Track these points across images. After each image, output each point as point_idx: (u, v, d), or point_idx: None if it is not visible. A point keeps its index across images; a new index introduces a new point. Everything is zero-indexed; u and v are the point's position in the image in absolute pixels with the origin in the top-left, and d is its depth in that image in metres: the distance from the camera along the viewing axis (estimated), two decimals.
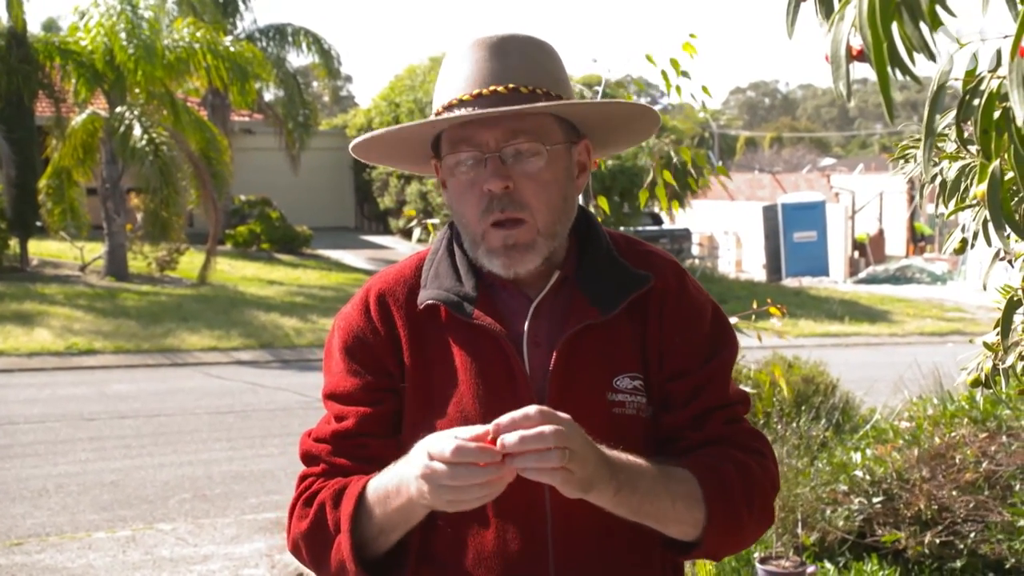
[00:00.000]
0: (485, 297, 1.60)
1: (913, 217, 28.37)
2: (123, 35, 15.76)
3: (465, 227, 1.60)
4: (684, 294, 1.65)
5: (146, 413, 9.32)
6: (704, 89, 3.61)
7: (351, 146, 1.66)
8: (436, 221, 3.35)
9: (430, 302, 1.60)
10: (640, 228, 21.09)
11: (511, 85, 1.53)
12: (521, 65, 1.55)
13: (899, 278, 23.47)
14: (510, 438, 1.32)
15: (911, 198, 27.38)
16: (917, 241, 28.23)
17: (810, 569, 4.33)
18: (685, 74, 3.31)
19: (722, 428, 1.61)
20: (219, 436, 8.50)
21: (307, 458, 1.66)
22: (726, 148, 51.21)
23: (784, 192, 27.75)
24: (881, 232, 27.15)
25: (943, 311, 18.39)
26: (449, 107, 1.56)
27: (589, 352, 1.58)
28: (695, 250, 24.59)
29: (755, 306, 3.71)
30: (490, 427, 1.35)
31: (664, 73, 3.30)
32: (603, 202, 3.47)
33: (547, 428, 1.33)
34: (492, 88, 1.53)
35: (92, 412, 9.29)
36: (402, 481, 1.46)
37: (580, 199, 1.76)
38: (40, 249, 18.64)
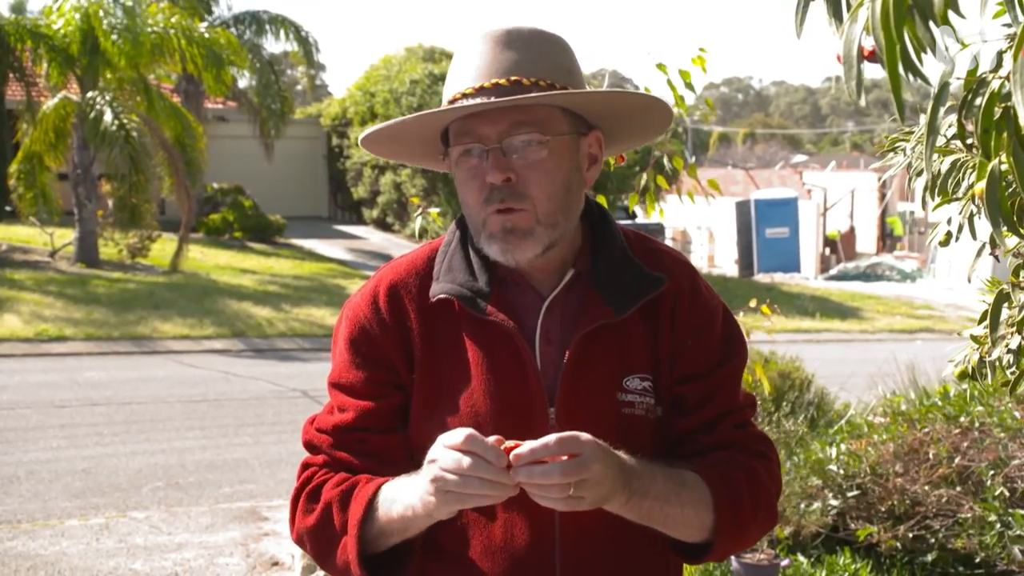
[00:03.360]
0: (498, 293, 1.60)
1: (884, 215, 28.59)
2: (105, 21, 15.61)
3: (469, 215, 1.60)
4: (697, 296, 1.65)
5: (118, 401, 9.26)
6: (708, 102, 3.66)
7: (360, 139, 1.65)
8: (439, 209, 3.35)
9: (443, 296, 1.60)
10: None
11: (514, 77, 1.52)
12: (525, 57, 1.55)
13: (869, 275, 23.67)
14: (522, 473, 1.37)
15: (882, 196, 27.61)
16: (886, 238, 28.44)
17: (784, 562, 4.37)
18: (690, 87, 3.33)
19: (732, 433, 1.63)
20: (192, 425, 8.46)
21: (309, 446, 1.68)
22: (699, 143, 51.40)
23: (757, 188, 27.88)
24: (852, 229, 27.36)
25: (913, 308, 18.57)
26: (454, 100, 1.56)
27: (601, 351, 1.58)
28: (668, 244, 24.66)
29: (753, 304, 3.74)
30: (494, 439, 1.40)
31: (671, 83, 3.32)
32: (602, 199, 3.51)
33: (556, 468, 1.37)
34: (494, 81, 1.53)
35: (63, 399, 9.22)
36: (408, 490, 1.49)
37: None
38: (9, 234, 18.45)
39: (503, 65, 1.54)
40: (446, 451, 1.40)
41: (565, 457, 1.38)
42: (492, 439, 1.39)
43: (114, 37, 15.50)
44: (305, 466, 1.66)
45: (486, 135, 1.53)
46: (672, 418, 1.63)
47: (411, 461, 1.55)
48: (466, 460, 1.38)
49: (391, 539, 1.55)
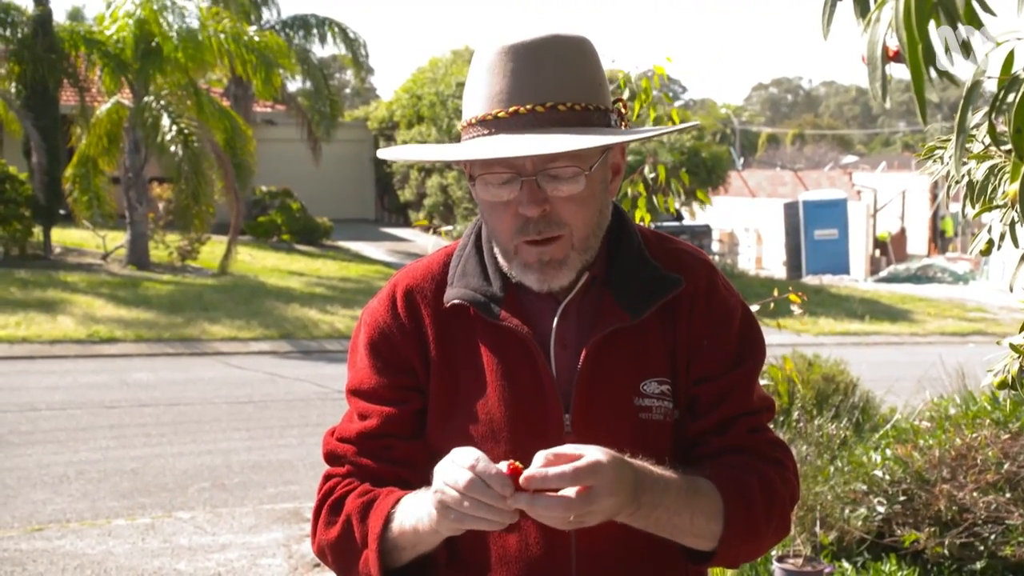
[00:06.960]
0: (512, 297, 1.57)
1: (936, 216, 28.17)
2: (163, 23, 15.85)
3: (496, 239, 1.57)
4: (714, 295, 1.61)
5: (166, 402, 9.38)
6: (673, 112, 3.62)
7: (380, 152, 1.63)
8: (451, 228, 3.41)
9: (456, 302, 1.58)
10: (659, 223, 21.03)
11: (549, 103, 1.47)
12: (557, 77, 1.48)
13: (920, 277, 23.33)
14: (522, 501, 1.33)
15: (934, 197, 27.20)
16: (938, 240, 28.01)
17: (828, 568, 4.32)
18: (668, 97, 3.37)
19: (745, 437, 1.59)
20: (238, 426, 8.54)
21: (331, 458, 1.65)
22: (748, 144, 51.03)
23: (806, 189, 27.61)
24: (903, 231, 26.99)
25: (965, 311, 18.27)
26: (483, 121, 1.49)
27: (617, 356, 1.55)
28: (715, 246, 24.50)
29: (776, 299, 3.71)
30: (504, 464, 1.36)
31: (641, 95, 3.34)
32: (627, 204, 3.51)
33: (559, 504, 1.33)
34: (529, 106, 1.47)
35: (113, 400, 9.36)
36: (419, 504, 1.48)
37: None
38: (63, 237, 18.77)
39: (536, 87, 1.47)
40: (452, 467, 1.38)
41: (576, 488, 1.34)
42: (502, 464, 1.35)
43: (174, 39, 15.71)
44: (327, 478, 1.63)
45: (521, 165, 1.47)
46: (686, 420, 1.59)
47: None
48: (464, 479, 1.34)
49: (404, 553, 1.53)
